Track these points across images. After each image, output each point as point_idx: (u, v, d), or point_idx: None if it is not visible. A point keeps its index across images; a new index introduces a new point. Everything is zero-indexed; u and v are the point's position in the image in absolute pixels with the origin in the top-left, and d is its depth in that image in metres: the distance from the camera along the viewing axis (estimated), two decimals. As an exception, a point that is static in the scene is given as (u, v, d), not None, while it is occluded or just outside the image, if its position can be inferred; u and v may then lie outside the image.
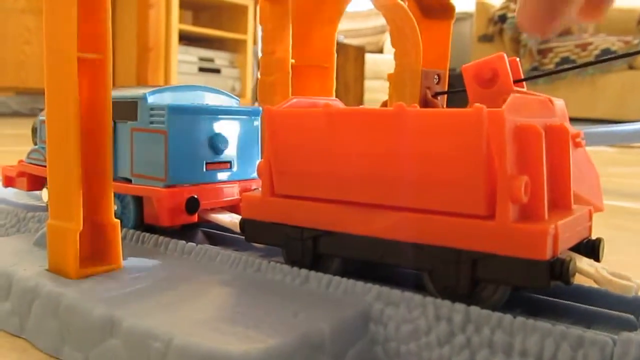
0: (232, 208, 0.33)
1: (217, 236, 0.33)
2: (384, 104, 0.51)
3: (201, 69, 2.05)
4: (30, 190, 0.40)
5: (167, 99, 0.31)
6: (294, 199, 0.26)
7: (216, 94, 0.34)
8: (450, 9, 0.51)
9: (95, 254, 0.27)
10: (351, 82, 2.28)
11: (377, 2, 0.40)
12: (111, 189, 0.27)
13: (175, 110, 0.30)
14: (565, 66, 0.42)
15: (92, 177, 0.27)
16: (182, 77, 1.95)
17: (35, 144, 0.41)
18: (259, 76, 0.37)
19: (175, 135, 0.30)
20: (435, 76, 0.50)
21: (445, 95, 0.51)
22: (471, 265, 0.21)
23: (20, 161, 0.41)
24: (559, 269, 0.20)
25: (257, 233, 0.27)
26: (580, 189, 0.42)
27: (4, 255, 0.30)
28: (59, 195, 0.27)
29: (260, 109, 0.34)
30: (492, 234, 0.21)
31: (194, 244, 0.30)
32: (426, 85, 0.49)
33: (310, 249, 0.25)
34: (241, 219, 0.28)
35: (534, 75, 0.48)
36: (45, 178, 0.38)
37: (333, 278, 0.24)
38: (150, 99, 0.31)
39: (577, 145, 0.43)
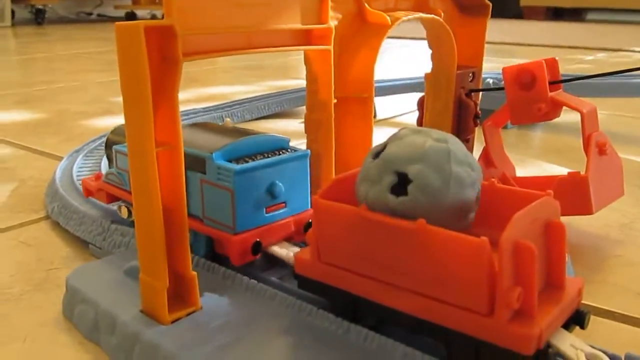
0: (289, 238, 0.39)
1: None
2: (421, 100, 0.55)
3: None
4: (108, 203, 0.47)
5: (231, 154, 0.37)
6: (336, 267, 0.31)
7: (272, 139, 0.39)
8: (485, 6, 0.53)
9: (178, 297, 0.34)
10: None
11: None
12: (188, 251, 0.33)
13: (241, 172, 0.35)
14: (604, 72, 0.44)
15: (173, 238, 0.33)
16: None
17: (110, 160, 0.47)
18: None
19: (240, 193, 0.36)
20: (470, 74, 0.53)
21: (480, 93, 0.54)
22: (475, 349, 0.27)
23: (98, 174, 0.48)
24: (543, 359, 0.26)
25: (307, 285, 0.33)
26: (604, 196, 0.47)
27: (102, 289, 0.37)
28: (148, 258, 0.33)
29: (309, 152, 0.39)
30: (490, 328, 0.26)
31: (255, 282, 0.36)
32: (461, 85, 0.52)
33: (349, 306, 0.32)
34: (294, 272, 0.34)
35: (570, 79, 0.51)
36: (119, 198, 0.45)
37: (369, 333, 0.31)
38: (218, 159, 0.36)
39: (602, 153, 0.47)
